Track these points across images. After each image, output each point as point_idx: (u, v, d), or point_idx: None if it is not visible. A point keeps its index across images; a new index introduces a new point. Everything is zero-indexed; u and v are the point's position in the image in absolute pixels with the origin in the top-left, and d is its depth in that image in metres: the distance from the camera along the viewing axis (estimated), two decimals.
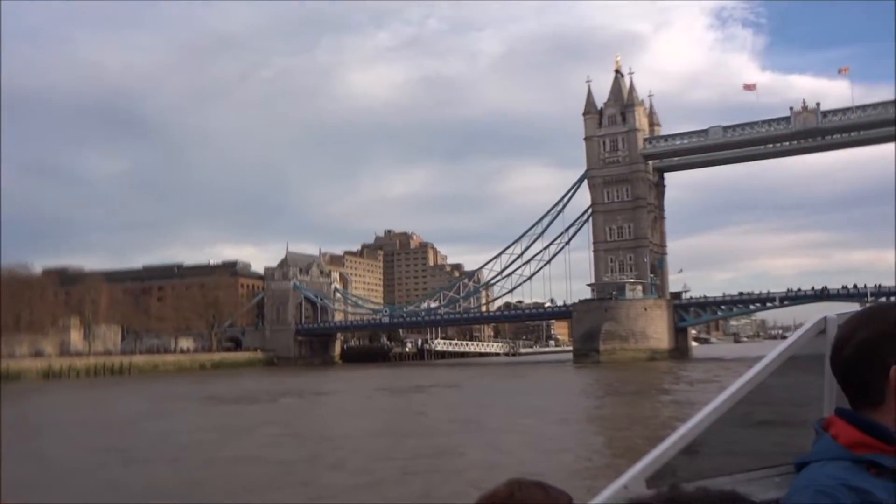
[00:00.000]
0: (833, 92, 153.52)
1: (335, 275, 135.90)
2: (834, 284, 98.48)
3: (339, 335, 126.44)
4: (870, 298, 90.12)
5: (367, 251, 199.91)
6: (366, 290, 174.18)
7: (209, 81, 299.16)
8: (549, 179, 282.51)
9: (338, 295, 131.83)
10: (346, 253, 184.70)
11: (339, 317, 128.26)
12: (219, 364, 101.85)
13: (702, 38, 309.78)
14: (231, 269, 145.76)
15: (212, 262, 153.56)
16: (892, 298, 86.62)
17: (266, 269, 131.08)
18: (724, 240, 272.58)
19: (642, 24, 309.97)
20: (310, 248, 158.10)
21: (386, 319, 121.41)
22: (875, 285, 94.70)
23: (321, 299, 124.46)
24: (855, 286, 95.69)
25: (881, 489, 1.51)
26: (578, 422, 30.13)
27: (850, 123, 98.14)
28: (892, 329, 1.59)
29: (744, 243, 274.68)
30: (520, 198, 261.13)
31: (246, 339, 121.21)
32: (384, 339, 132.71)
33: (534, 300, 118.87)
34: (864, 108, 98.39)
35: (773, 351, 2.29)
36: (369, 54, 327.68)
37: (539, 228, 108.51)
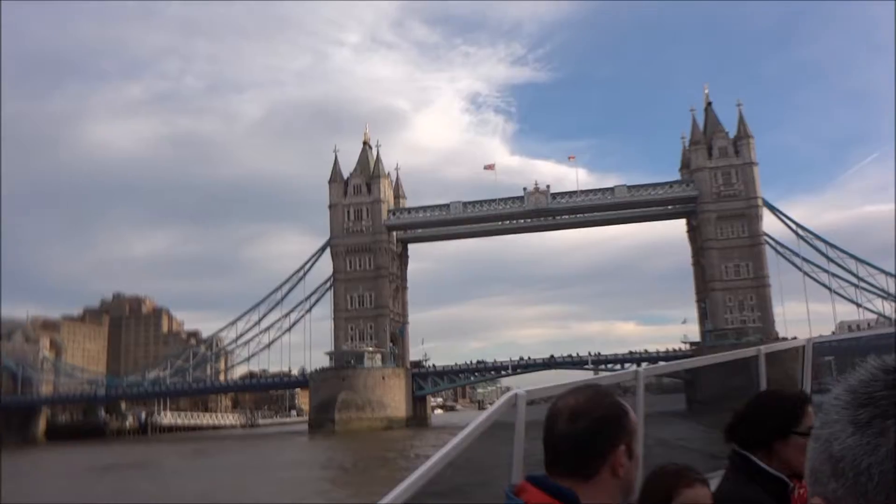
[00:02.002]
0: (571, 177, 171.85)
1: (45, 341, 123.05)
2: (571, 351, 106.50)
3: (45, 410, 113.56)
4: (589, 365, 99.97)
5: (90, 316, 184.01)
6: (86, 360, 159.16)
7: None
8: (306, 246, 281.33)
9: (48, 364, 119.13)
10: (64, 318, 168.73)
11: (47, 389, 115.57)
12: None
13: (458, 119, 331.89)
14: None
15: None
16: (609, 365, 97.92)
17: None
18: (476, 310, 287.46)
19: (403, 102, 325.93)
20: (20, 312, 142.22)
21: (102, 391, 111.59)
22: (595, 353, 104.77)
23: (24, 369, 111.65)
24: (577, 354, 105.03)
25: None
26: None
27: (576, 206, 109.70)
28: (619, 412, 1.89)
29: (494, 314, 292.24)
30: (275, 264, 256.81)
31: None
32: (102, 413, 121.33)
33: (280, 369, 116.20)
34: (587, 192, 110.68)
35: (473, 422, 2.43)
36: (117, 106, 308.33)
37: (279, 295, 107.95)
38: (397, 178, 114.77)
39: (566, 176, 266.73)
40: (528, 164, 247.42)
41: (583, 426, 1.85)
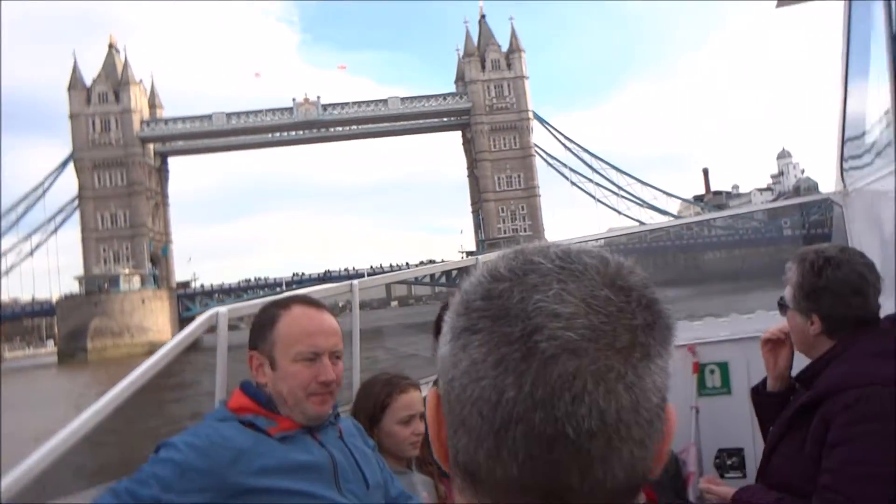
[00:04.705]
0: (359, 90, 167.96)
1: None
2: (364, 264, 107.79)
3: None
4: (366, 277, 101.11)
5: None
6: None
7: None
8: (54, 163, 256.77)
9: None
10: None
11: None
12: None
13: (237, 29, 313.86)
14: None
15: None
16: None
17: None
18: (261, 226, 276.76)
19: (173, 8, 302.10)
20: None
21: None
22: (370, 266, 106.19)
23: None
24: (354, 268, 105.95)
25: (244, 437, 1.90)
26: None
27: (348, 118, 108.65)
28: (262, 320, 2.06)
29: (281, 230, 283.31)
30: (19, 183, 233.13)
31: None
32: None
33: (32, 296, 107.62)
34: (359, 104, 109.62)
35: (165, 346, 2.29)
36: None
37: (14, 216, 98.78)
38: (152, 87, 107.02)
39: (354, 88, 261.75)
40: (314, 74, 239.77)
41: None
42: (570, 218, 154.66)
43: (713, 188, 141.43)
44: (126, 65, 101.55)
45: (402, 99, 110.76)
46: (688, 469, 3.88)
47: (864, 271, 2.30)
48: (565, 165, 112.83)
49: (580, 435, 0.61)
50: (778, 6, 4.36)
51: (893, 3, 3.29)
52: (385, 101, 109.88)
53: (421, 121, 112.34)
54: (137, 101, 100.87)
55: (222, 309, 2.57)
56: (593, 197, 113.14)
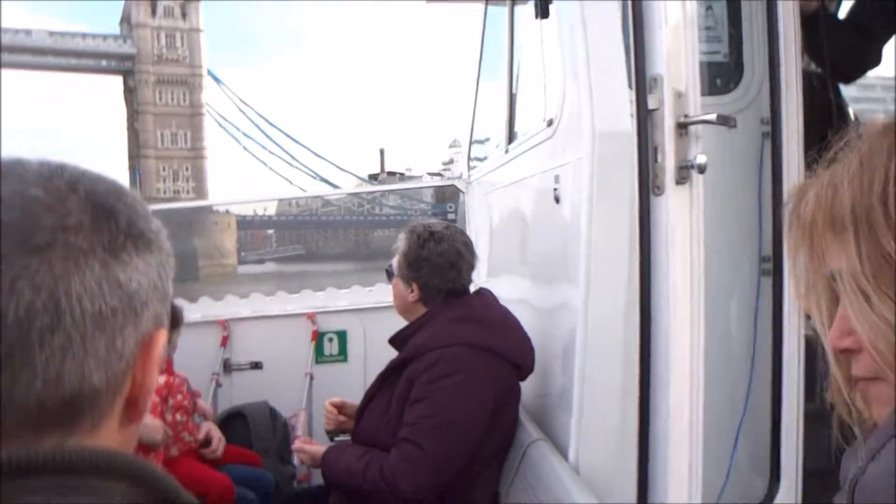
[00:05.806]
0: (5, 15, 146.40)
1: None
2: None
3: None
4: None
5: None
6: None
7: None
8: None
9: None
10: None
11: None
12: None
13: None
14: None
15: None
16: None
17: None
18: None
19: None
20: None
21: None
22: None
23: None
24: None
25: None
26: None
27: None
28: None
29: None
30: None
31: None
32: None
33: None
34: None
35: None
36: None
37: None
38: None
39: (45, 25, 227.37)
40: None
41: None
42: (240, 184, 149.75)
43: (388, 169, 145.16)
44: None
45: (52, 33, 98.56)
46: (296, 433, 3.91)
47: (462, 248, 2.58)
48: (238, 129, 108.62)
49: None
50: (428, 2, 4.45)
51: (517, 12, 3.38)
52: (29, 32, 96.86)
53: (74, 59, 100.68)
54: None
55: None
56: (265, 164, 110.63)
